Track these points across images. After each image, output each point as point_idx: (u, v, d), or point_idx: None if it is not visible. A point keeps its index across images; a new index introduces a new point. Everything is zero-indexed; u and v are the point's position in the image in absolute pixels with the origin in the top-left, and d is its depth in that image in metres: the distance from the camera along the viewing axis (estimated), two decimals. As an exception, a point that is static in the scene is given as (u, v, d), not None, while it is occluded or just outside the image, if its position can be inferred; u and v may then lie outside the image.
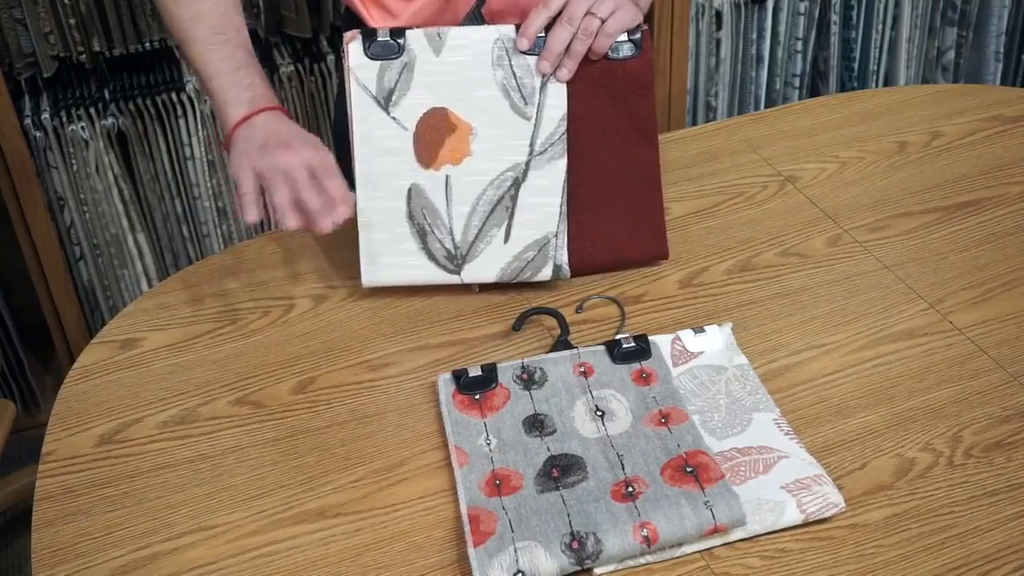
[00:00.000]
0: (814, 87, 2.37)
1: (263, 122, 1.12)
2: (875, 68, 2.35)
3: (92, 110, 1.90)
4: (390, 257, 1.14)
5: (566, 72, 1.11)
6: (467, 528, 0.91)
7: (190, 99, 1.93)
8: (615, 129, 1.15)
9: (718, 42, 2.22)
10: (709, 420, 1.00)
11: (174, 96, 1.92)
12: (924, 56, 2.40)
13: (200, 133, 1.96)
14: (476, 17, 1.16)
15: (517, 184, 1.06)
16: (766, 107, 2.31)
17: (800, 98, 2.33)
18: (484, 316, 1.15)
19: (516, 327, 1.10)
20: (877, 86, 2.36)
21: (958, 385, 1.04)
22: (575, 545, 0.88)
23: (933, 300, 1.14)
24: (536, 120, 1.11)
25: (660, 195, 1.18)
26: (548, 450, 0.97)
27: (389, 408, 1.05)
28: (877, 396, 1.03)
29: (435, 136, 1.10)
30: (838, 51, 2.32)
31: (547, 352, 1.07)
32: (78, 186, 1.93)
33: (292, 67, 1.98)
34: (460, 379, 1.04)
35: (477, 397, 1.03)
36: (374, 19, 1.25)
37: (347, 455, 1.00)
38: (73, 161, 1.91)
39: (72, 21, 1.84)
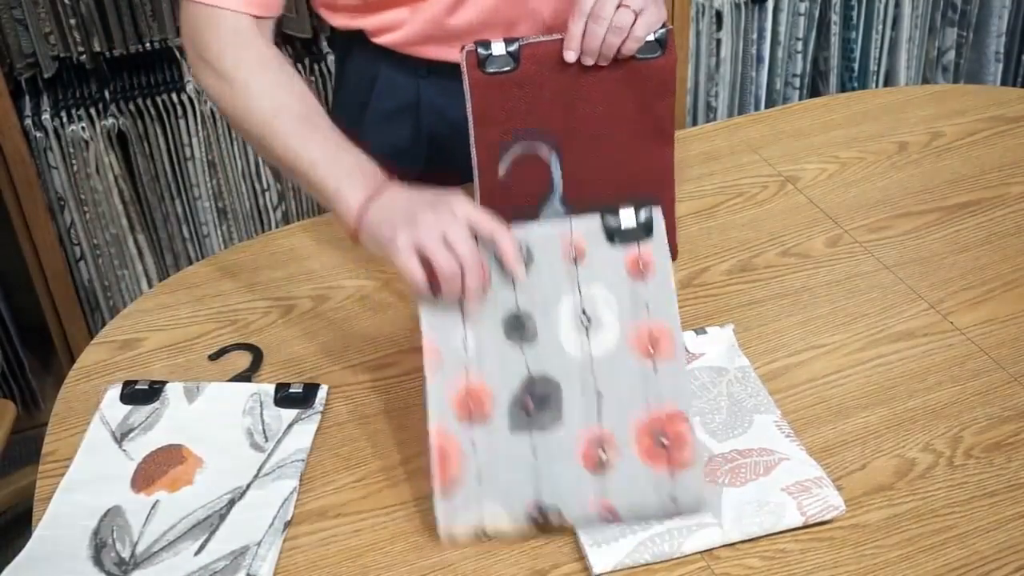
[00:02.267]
0: (814, 87, 2.37)
1: (391, 195, 0.98)
2: (875, 68, 2.35)
3: (92, 110, 1.90)
4: (49, 561, 0.92)
5: (590, 59, 1.09)
6: (435, 466, 0.90)
7: (190, 99, 1.93)
8: (635, 128, 1.13)
9: (718, 42, 2.22)
10: (710, 422, 1.00)
11: (174, 96, 1.92)
12: (924, 56, 2.40)
13: (200, 133, 1.96)
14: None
15: (232, 503, 0.94)
16: (766, 107, 2.31)
17: (800, 98, 2.33)
18: (484, 316, 1.15)
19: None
20: (877, 86, 2.36)
21: (958, 385, 1.04)
22: (539, 518, 0.90)
23: (933, 300, 1.14)
24: (271, 451, 0.99)
25: (672, 196, 1.17)
26: (527, 368, 0.93)
27: (389, 408, 1.05)
28: (877, 396, 1.03)
29: (159, 467, 0.98)
30: (838, 51, 2.32)
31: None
32: (78, 186, 1.93)
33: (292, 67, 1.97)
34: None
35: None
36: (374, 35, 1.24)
37: (347, 455, 1.00)
38: (73, 161, 1.91)
39: (72, 21, 1.84)
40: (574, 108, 1.11)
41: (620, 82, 1.11)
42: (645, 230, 0.95)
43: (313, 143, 1.03)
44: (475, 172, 1.13)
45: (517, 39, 1.09)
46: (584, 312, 0.94)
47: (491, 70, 1.08)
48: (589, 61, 1.09)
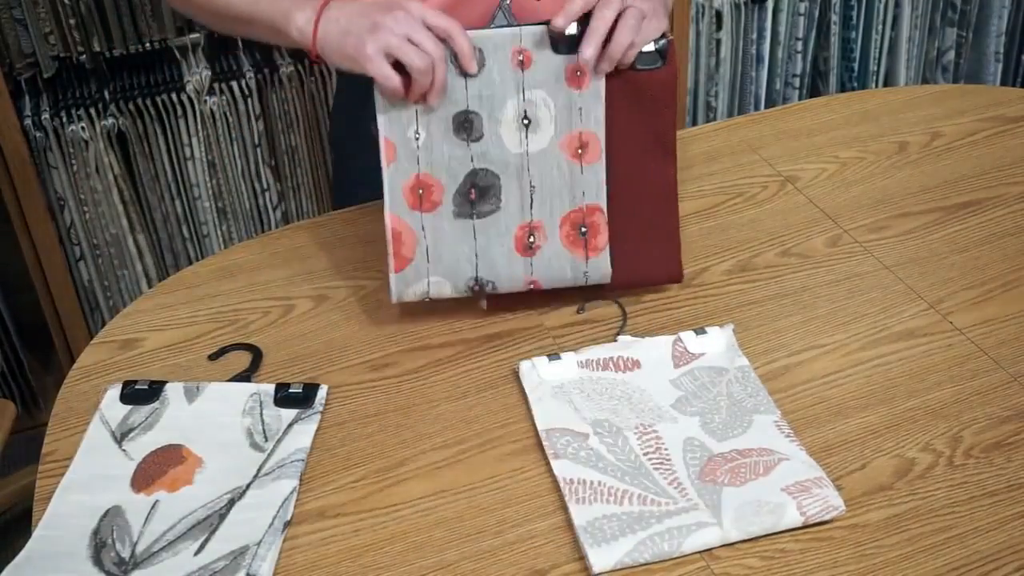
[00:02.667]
0: (814, 87, 2.37)
1: (339, 6, 1.05)
2: (875, 68, 2.35)
3: (92, 110, 1.90)
4: (48, 561, 0.92)
5: (607, 66, 1.06)
6: (389, 245, 1.07)
7: (190, 99, 1.93)
8: (635, 141, 1.11)
9: (718, 42, 2.22)
10: (710, 422, 1.00)
11: (174, 96, 1.92)
12: (924, 56, 2.40)
13: (200, 133, 1.96)
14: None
15: (232, 503, 0.95)
16: (766, 107, 2.31)
17: (800, 98, 2.33)
18: (484, 316, 1.15)
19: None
20: (877, 86, 2.36)
21: (958, 385, 1.04)
22: (476, 288, 1.10)
23: (933, 300, 1.14)
24: (271, 451, 1.00)
25: (676, 215, 1.15)
26: (472, 161, 1.06)
27: (389, 408, 1.05)
28: (877, 396, 1.03)
29: (159, 467, 0.99)
30: (838, 51, 2.32)
31: (490, 27, 1.09)
32: (78, 186, 1.93)
33: (292, 67, 1.98)
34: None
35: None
36: None
37: (347, 455, 1.00)
38: (73, 161, 1.91)
39: (72, 21, 1.84)
40: None
41: (619, 93, 1.09)
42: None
43: None
44: None
45: None
46: (525, 114, 1.06)
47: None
48: (606, 67, 1.06)
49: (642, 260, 1.14)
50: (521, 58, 1.06)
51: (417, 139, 1.06)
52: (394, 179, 1.06)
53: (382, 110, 1.05)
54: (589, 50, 1.04)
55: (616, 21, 1.05)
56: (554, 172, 1.08)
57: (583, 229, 1.08)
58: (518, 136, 1.07)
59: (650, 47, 1.08)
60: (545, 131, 1.07)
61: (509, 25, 1.11)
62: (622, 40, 1.04)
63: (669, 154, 1.13)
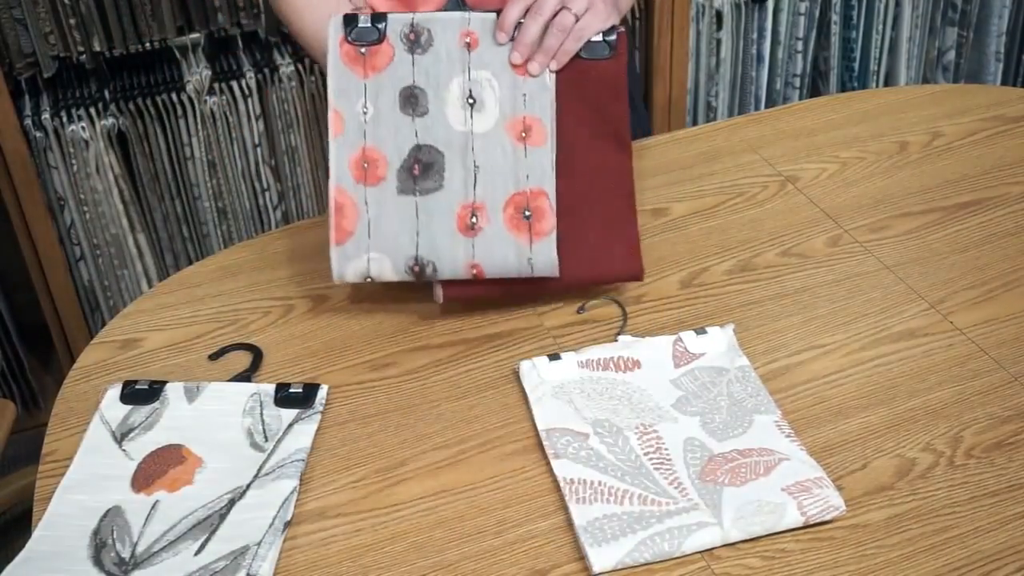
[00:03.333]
0: (814, 87, 2.37)
1: None
2: (875, 68, 2.35)
3: (92, 110, 1.90)
4: (48, 561, 0.92)
5: (537, 66, 1.10)
6: (332, 216, 1.08)
7: (190, 99, 1.93)
8: (588, 132, 1.12)
9: (718, 42, 2.22)
10: (710, 422, 1.00)
11: (174, 96, 1.92)
12: (924, 56, 2.40)
13: (200, 133, 1.96)
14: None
15: (232, 503, 0.95)
16: (766, 107, 2.31)
17: (800, 98, 2.33)
18: (484, 316, 1.15)
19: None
20: (877, 86, 2.36)
21: (959, 385, 1.04)
22: (416, 268, 1.08)
23: (934, 300, 1.14)
24: (271, 451, 1.00)
25: (634, 209, 1.14)
26: (416, 135, 1.07)
27: (389, 408, 1.05)
28: (878, 396, 1.03)
29: (159, 467, 0.99)
30: (838, 51, 2.32)
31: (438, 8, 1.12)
32: (78, 186, 1.93)
33: (292, 67, 1.98)
34: (350, 27, 1.09)
35: (363, 51, 1.09)
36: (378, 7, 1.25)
37: (347, 455, 1.00)
38: (73, 161, 1.91)
39: (72, 21, 1.84)
40: None
41: (569, 82, 1.11)
42: None
43: None
44: None
45: None
46: (471, 93, 1.08)
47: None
48: (535, 68, 1.10)
49: (600, 256, 1.13)
50: (468, 40, 1.08)
51: (365, 113, 1.08)
52: (341, 151, 1.08)
53: (334, 83, 1.08)
54: (515, 55, 1.10)
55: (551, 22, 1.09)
56: (498, 153, 1.08)
57: (527, 213, 1.07)
58: (463, 115, 1.08)
59: (599, 38, 1.11)
60: (490, 113, 1.08)
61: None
62: (550, 43, 1.09)
63: (624, 147, 1.13)
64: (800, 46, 2.27)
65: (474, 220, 1.07)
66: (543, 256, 1.09)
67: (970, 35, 2.38)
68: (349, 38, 1.09)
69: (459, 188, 1.08)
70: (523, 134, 1.08)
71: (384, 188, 1.08)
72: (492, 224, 1.08)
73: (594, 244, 1.13)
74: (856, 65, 2.34)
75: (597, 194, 1.13)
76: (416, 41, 1.08)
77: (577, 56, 1.11)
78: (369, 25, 1.09)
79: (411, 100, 1.08)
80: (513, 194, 1.08)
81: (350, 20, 1.10)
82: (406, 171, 1.08)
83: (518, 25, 1.09)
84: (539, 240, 1.08)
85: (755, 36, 2.24)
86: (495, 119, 1.08)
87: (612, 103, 1.12)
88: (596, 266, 1.13)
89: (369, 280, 1.10)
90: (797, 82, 2.31)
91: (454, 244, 1.08)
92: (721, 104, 2.29)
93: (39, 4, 1.81)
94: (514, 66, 1.09)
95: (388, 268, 1.09)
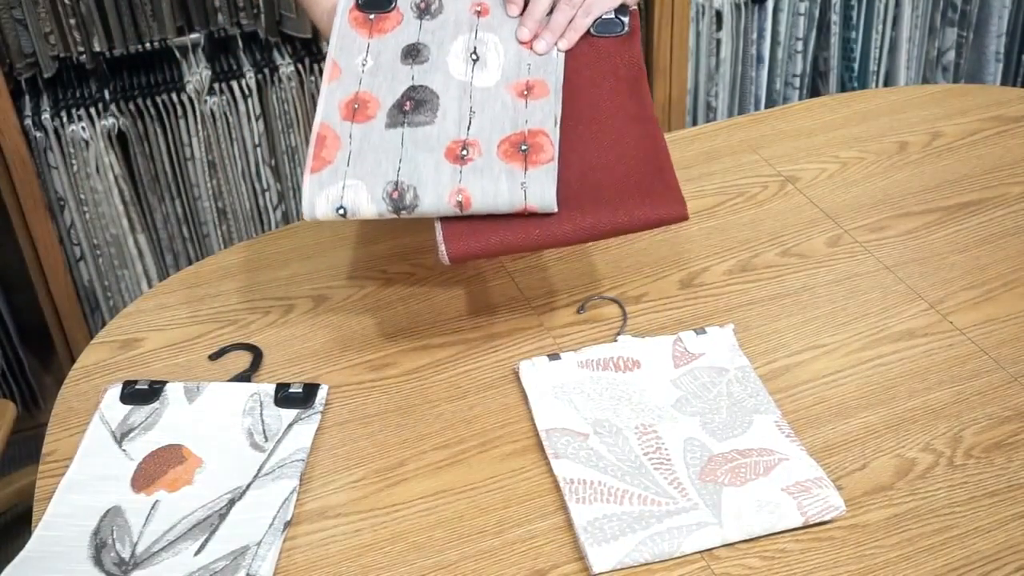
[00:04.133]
0: (814, 87, 2.37)
1: None
2: (875, 68, 2.35)
3: (92, 110, 1.90)
4: (48, 561, 0.92)
5: (543, 44, 1.09)
6: (311, 148, 1.01)
7: (190, 99, 1.93)
8: (610, 107, 1.09)
9: (718, 42, 2.22)
10: (710, 421, 1.00)
11: (174, 96, 1.92)
12: (924, 56, 2.40)
13: (200, 133, 1.96)
14: None
15: (232, 503, 0.94)
16: (766, 107, 2.31)
17: (800, 98, 2.33)
18: (484, 316, 1.15)
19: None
20: (877, 86, 2.36)
21: (958, 385, 1.04)
22: (395, 195, 0.98)
23: (933, 300, 1.14)
24: (271, 451, 0.99)
25: (667, 152, 1.07)
26: (412, 79, 1.05)
27: (389, 408, 1.05)
28: (877, 396, 1.03)
29: (159, 467, 0.99)
30: (838, 51, 2.32)
31: None
32: (78, 186, 1.93)
33: (292, 67, 1.97)
34: None
35: (371, 17, 1.09)
36: None
37: (347, 455, 1.00)
38: (73, 161, 1.91)
39: (72, 21, 1.84)
40: None
41: (583, 57, 1.11)
42: None
43: None
44: None
45: None
46: (475, 50, 1.07)
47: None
48: (542, 46, 1.09)
49: (644, 203, 1.03)
50: (479, 8, 1.09)
51: (364, 65, 1.07)
52: (332, 95, 1.06)
53: (336, 41, 1.08)
54: (523, 31, 1.10)
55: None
56: (496, 106, 1.05)
57: (524, 147, 1.01)
58: (464, 67, 1.07)
59: (611, 15, 1.11)
60: (492, 72, 1.07)
61: None
62: (559, 20, 1.10)
63: (644, 101, 1.10)
64: (800, 46, 2.27)
65: (465, 152, 1.01)
66: (539, 183, 0.98)
67: (970, 35, 2.38)
68: (360, 4, 1.10)
69: (451, 127, 1.03)
70: (525, 92, 1.06)
71: (372, 125, 1.04)
72: (484, 156, 1.01)
73: (630, 189, 1.04)
74: (856, 65, 2.34)
75: (629, 151, 1.07)
76: (427, 9, 1.08)
77: (589, 34, 1.11)
78: None
79: (412, 53, 1.07)
80: (510, 134, 1.03)
81: None
82: (397, 107, 1.04)
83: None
84: (535, 167, 0.99)
85: (755, 36, 2.24)
86: (496, 80, 1.06)
87: (632, 76, 1.11)
88: (637, 209, 1.03)
89: (342, 212, 0.98)
90: (797, 82, 2.31)
91: (439, 170, 0.99)
92: (721, 104, 2.29)
93: (39, 4, 1.81)
94: (521, 42, 1.09)
95: (364, 197, 0.98)
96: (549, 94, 1.05)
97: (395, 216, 0.98)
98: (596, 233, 1.02)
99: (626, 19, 1.12)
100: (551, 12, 1.10)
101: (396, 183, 0.98)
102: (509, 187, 0.97)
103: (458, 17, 1.09)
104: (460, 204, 0.96)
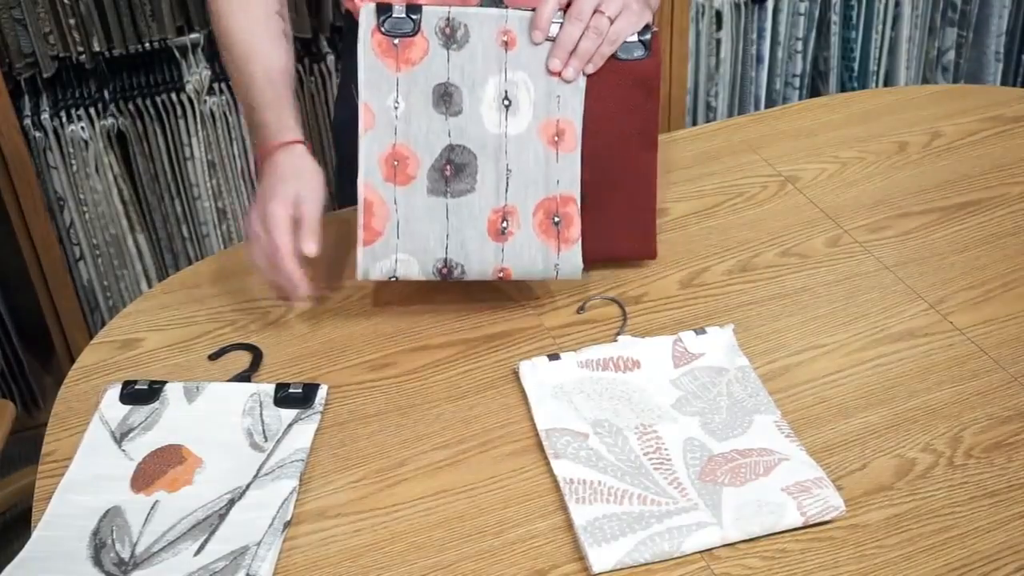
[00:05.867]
0: (814, 87, 2.37)
1: (270, 166, 1.12)
2: (875, 68, 2.35)
3: (92, 110, 1.90)
4: (48, 561, 0.92)
5: (572, 71, 1.09)
6: (361, 216, 1.06)
7: (190, 99, 1.93)
8: (618, 129, 1.13)
9: (718, 42, 2.22)
10: (710, 422, 1.00)
11: (174, 96, 1.92)
12: (924, 56, 2.40)
13: (200, 133, 1.96)
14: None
15: (232, 503, 0.94)
16: (766, 107, 2.31)
17: (800, 98, 2.33)
18: (484, 316, 1.15)
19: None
20: (877, 86, 2.36)
21: (958, 385, 1.04)
22: (444, 270, 1.08)
23: (933, 300, 1.14)
24: (271, 451, 0.99)
25: (654, 197, 1.17)
26: (449, 135, 1.06)
27: (389, 408, 1.05)
28: (877, 396, 1.03)
29: (159, 467, 0.99)
30: (838, 51, 2.32)
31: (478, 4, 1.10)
32: (78, 186, 1.93)
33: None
34: (384, 16, 1.06)
35: (396, 43, 1.07)
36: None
37: (347, 455, 1.00)
38: (73, 161, 1.91)
39: (72, 21, 1.84)
40: None
41: (602, 82, 1.11)
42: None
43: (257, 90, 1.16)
44: None
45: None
46: (506, 94, 1.07)
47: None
48: (571, 73, 1.10)
49: (618, 235, 1.16)
50: (506, 39, 1.07)
51: (396, 108, 1.06)
52: (371, 147, 1.06)
53: (365, 72, 1.06)
54: (555, 61, 1.09)
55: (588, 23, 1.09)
56: (531, 157, 1.08)
57: (556, 219, 1.07)
58: (498, 117, 1.07)
59: (633, 38, 1.11)
60: (524, 114, 1.08)
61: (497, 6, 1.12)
62: (586, 47, 1.09)
63: (652, 144, 1.15)
64: (800, 46, 2.27)
65: (505, 225, 1.07)
66: (569, 263, 1.09)
67: (970, 35, 2.38)
68: (382, 28, 1.07)
69: (491, 191, 1.07)
70: (555, 138, 1.08)
71: (414, 188, 1.07)
72: (522, 230, 1.08)
73: (614, 223, 1.16)
74: (856, 65, 2.34)
75: (621, 185, 1.15)
76: (452, 36, 1.06)
77: (612, 56, 1.11)
78: (404, 16, 1.07)
79: (445, 98, 1.06)
80: (544, 198, 1.08)
81: (383, 9, 1.07)
82: (437, 171, 1.06)
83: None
84: (567, 248, 1.09)
85: (755, 36, 2.24)
86: (528, 121, 1.08)
87: (644, 102, 1.13)
88: (614, 243, 1.17)
89: (394, 279, 1.08)
90: (797, 82, 2.31)
91: (483, 248, 1.08)
92: (721, 104, 2.29)
93: (39, 4, 1.81)
94: (552, 72, 1.09)
95: (415, 269, 1.08)
96: (576, 145, 1.09)
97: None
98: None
99: (647, 38, 1.11)
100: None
101: (445, 260, 1.07)
102: (544, 265, 1.09)
103: (486, 49, 1.08)
104: (502, 277, 1.09)
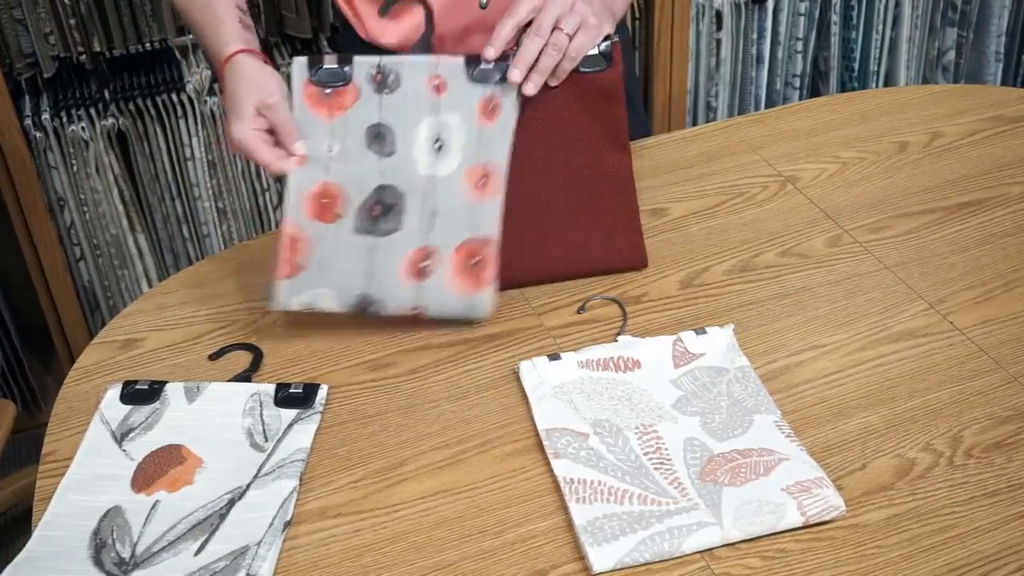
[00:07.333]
0: (814, 87, 2.37)
1: (231, 72, 1.11)
2: (875, 68, 2.35)
3: (92, 110, 1.90)
4: (48, 561, 0.92)
5: (532, 86, 1.10)
6: (281, 250, 1.07)
7: (190, 99, 1.93)
8: (586, 137, 1.15)
9: (718, 42, 2.22)
10: (710, 422, 1.00)
11: (174, 96, 1.92)
12: (924, 56, 2.40)
13: (200, 133, 1.96)
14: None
15: (232, 503, 0.95)
16: (766, 107, 2.31)
17: (800, 98, 2.33)
18: (484, 316, 1.15)
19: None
20: (877, 86, 2.36)
21: (958, 385, 1.04)
22: (361, 304, 1.09)
23: (933, 300, 1.14)
24: (271, 451, 1.00)
25: (635, 201, 1.18)
26: (381, 175, 1.07)
27: (389, 408, 1.05)
28: (877, 396, 1.03)
29: (159, 467, 0.99)
30: (838, 51, 2.32)
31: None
32: (78, 186, 1.93)
33: (292, 67, 1.97)
34: (315, 68, 1.08)
35: (328, 92, 1.08)
36: (367, 31, 1.26)
37: (347, 455, 1.00)
38: (73, 161, 1.91)
39: (72, 21, 1.84)
40: (525, 123, 1.12)
41: (568, 95, 1.13)
42: (498, 72, 1.09)
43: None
44: None
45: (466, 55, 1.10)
46: (439, 137, 1.08)
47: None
48: (531, 88, 1.10)
49: (605, 248, 1.18)
50: (437, 83, 1.08)
51: (330, 151, 1.08)
52: (300, 184, 1.07)
53: (297, 122, 1.08)
54: (515, 72, 1.09)
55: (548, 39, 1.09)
56: (456, 200, 1.09)
57: (475, 261, 1.09)
58: (429, 159, 1.08)
59: (594, 50, 1.12)
60: (454, 157, 1.08)
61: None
62: (546, 64, 1.10)
63: (622, 146, 1.17)
64: (800, 46, 2.27)
65: (425, 264, 1.08)
66: (482, 304, 1.11)
67: (970, 35, 2.38)
68: (313, 79, 1.08)
69: (416, 231, 1.08)
70: (481, 181, 1.09)
71: (341, 226, 1.08)
72: (441, 270, 1.09)
73: (595, 237, 1.17)
74: (856, 65, 2.34)
75: (597, 192, 1.16)
76: (383, 82, 1.07)
77: (576, 70, 1.12)
78: (335, 67, 1.08)
79: (378, 139, 1.07)
80: (466, 240, 1.09)
81: (314, 62, 1.08)
82: (366, 210, 1.08)
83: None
84: (481, 289, 1.10)
85: (755, 36, 2.24)
86: (457, 162, 1.08)
87: (610, 110, 1.15)
88: (599, 257, 1.18)
89: (310, 310, 1.10)
90: (797, 82, 2.31)
91: (402, 287, 1.09)
92: (721, 104, 2.29)
93: (39, 4, 1.81)
94: (485, 105, 1.09)
95: (333, 303, 1.09)
96: (500, 188, 1.09)
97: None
98: (566, 274, 1.18)
99: (608, 50, 1.12)
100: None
101: (362, 295, 1.09)
102: (458, 306, 1.10)
103: (417, 93, 1.08)
104: (417, 315, 1.10)
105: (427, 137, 1.08)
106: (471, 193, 1.09)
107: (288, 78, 1.09)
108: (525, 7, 1.09)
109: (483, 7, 1.18)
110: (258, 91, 1.08)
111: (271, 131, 1.08)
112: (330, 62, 1.08)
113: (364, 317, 1.10)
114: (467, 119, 1.09)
